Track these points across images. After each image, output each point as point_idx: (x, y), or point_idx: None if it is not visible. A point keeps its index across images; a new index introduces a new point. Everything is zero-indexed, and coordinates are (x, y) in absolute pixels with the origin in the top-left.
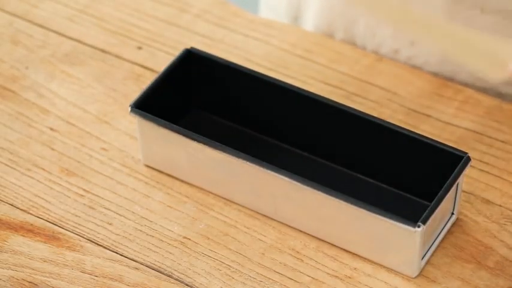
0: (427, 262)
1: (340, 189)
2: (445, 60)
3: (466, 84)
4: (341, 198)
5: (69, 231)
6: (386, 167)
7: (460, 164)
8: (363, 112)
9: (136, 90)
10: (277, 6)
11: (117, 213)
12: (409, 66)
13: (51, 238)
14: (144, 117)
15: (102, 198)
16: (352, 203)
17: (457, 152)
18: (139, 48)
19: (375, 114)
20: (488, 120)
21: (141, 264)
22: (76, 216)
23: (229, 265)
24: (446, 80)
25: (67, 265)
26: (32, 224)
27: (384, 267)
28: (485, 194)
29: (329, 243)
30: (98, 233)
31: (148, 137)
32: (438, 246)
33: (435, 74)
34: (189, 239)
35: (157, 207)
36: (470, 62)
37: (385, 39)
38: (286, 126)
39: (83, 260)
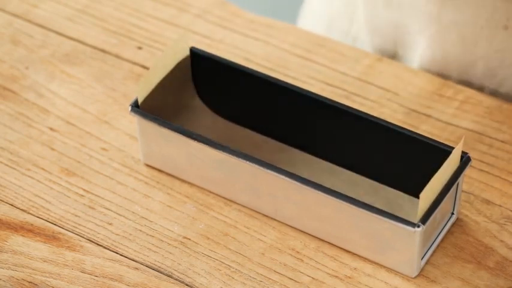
0: (427, 262)
1: (340, 189)
2: None
3: None
4: (341, 198)
5: (69, 231)
6: (386, 167)
7: (460, 164)
8: (363, 112)
9: (136, 90)
10: (353, 34)
11: (117, 213)
12: (409, 66)
13: (51, 238)
14: (144, 117)
15: (102, 198)
16: (352, 203)
17: None
18: (140, 48)
19: (375, 114)
20: (488, 120)
21: (141, 264)
22: (76, 216)
23: (229, 265)
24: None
25: (67, 265)
26: (32, 224)
27: (384, 267)
28: (485, 194)
29: (329, 243)
30: (98, 233)
31: (148, 136)
32: (438, 246)
33: None
34: (189, 239)
35: (157, 207)
36: None
37: (508, 77)
38: (286, 126)
39: (83, 260)
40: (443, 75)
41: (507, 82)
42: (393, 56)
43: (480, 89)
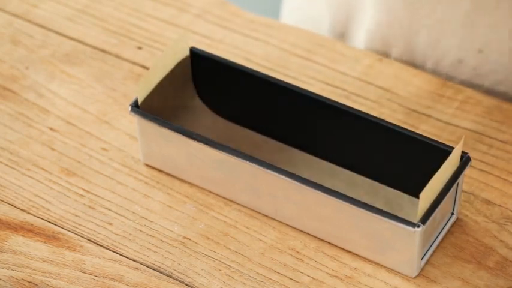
0: (427, 262)
1: (340, 189)
2: None
3: None
4: (341, 198)
5: (69, 231)
6: (386, 166)
7: (460, 164)
8: (363, 112)
9: (136, 90)
10: (315, 17)
11: (117, 213)
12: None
13: (51, 238)
14: (144, 117)
15: (102, 198)
16: (352, 203)
17: None
18: (140, 48)
19: (375, 114)
20: (488, 120)
21: (141, 264)
22: (76, 216)
23: (229, 265)
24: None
25: (67, 265)
26: (32, 224)
27: (384, 267)
28: (485, 194)
29: (329, 243)
30: (98, 233)
31: (148, 136)
32: (438, 246)
33: (500, 82)
34: (189, 239)
35: (157, 207)
36: None
37: (449, 49)
38: (286, 126)
39: (83, 260)
40: (387, 48)
41: (449, 54)
42: (342, 35)
43: (422, 66)
